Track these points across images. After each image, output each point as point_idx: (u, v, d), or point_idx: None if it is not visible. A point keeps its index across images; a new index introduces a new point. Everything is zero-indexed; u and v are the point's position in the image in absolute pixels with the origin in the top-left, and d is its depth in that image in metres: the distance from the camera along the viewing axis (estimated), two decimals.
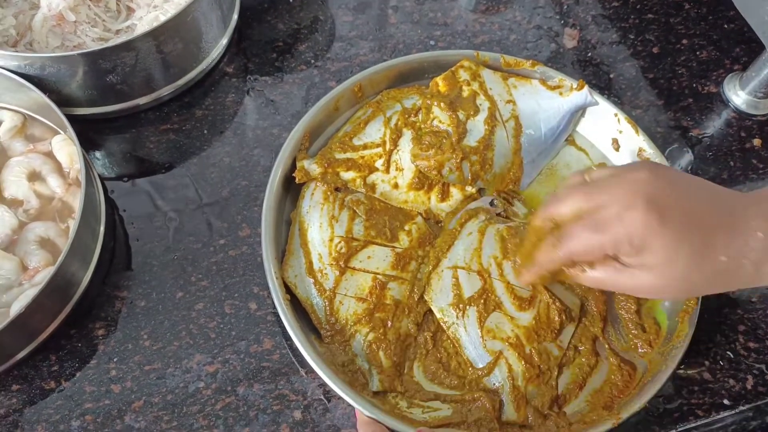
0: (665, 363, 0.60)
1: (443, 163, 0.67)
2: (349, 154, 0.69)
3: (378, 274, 0.63)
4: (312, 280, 0.63)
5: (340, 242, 0.64)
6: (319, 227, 0.65)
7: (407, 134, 0.70)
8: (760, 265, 0.50)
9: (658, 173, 0.53)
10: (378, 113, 0.72)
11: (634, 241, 0.50)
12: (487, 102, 0.71)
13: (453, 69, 0.73)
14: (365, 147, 0.70)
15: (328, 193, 0.67)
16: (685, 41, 0.87)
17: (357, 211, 0.67)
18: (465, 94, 0.71)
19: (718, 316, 0.68)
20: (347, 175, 0.68)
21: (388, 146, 0.69)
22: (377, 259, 0.64)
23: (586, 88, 0.72)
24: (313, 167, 0.68)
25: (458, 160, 0.67)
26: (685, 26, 0.88)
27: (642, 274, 0.52)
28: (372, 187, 0.69)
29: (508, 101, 0.73)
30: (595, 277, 0.55)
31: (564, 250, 0.54)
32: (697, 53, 0.86)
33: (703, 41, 0.87)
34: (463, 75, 0.72)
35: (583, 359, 0.63)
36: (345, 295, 0.62)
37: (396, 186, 0.68)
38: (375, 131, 0.70)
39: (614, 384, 0.62)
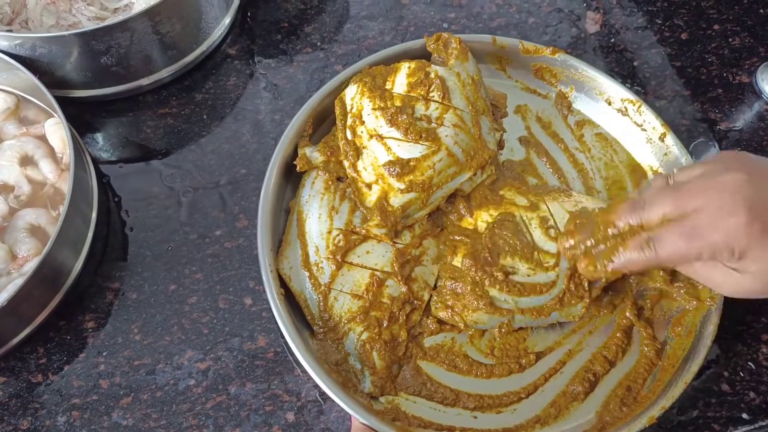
0: (680, 373, 0.57)
1: None
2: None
3: (376, 270, 0.60)
4: (307, 274, 0.60)
5: (338, 235, 0.61)
6: (318, 218, 0.62)
7: None
8: None
9: (753, 173, 0.49)
10: None
11: (735, 249, 0.48)
12: None
13: None
14: None
15: (330, 182, 0.64)
16: (716, 27, 0.81)
17: (358, 202, 0.63)
18: None
19: (741, 324, 0.64)
20: None
21: None
22: (376, 254, 0.61)
23: None
24: (316, 155, 0.65)
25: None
26: (718, 11, 0.82)
27: (741, 278, 0.50)
28: None
29: None
30: (695, 272, 0.54)
31: (658, 256, 0.51)
32: (729, 40, 0.80)
33: (737, 27, 0.81)
34: None
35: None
36: (340, 291, 0.59)
37: None
38: None
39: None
